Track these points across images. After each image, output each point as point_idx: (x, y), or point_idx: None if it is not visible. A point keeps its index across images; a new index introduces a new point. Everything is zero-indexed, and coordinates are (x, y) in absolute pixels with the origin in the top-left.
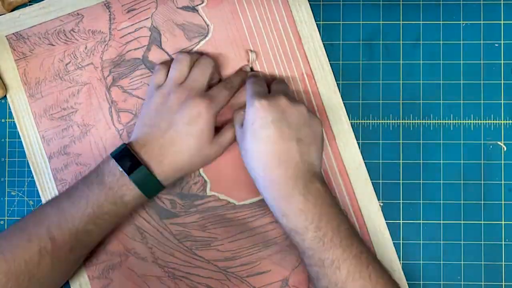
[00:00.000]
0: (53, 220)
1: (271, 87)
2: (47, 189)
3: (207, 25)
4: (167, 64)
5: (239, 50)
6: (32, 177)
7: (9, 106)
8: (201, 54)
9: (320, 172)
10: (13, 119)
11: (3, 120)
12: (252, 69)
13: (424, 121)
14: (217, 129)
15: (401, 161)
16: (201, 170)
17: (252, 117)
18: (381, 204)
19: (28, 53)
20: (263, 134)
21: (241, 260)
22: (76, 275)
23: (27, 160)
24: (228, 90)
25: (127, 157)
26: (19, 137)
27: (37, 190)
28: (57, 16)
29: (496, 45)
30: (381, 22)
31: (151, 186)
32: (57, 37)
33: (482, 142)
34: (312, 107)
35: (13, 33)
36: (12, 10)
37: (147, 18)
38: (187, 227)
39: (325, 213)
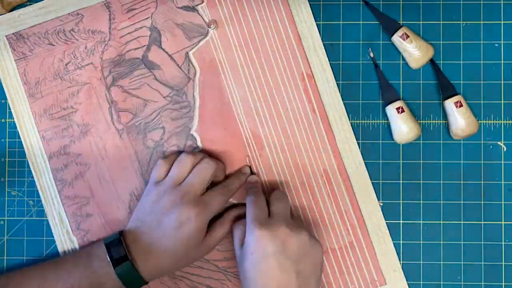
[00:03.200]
0: (34, 285)
1: (271, 206)
2: (47, 189)
3: (207, 25)
4: (170, 160)
5: (238, 50)
6: (32, 177)
7: (9, 106)
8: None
9: None
10: (13, 119)
11: (3, 120)
12: (252, 171)
13: (424, 121)
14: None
15: (401, 161)
16: None
17: (252, 246)
18: (381, 204)
19: (28, 53)
20: (262, 266)
21: None
22: None
23: (27, 160)
24: (223, 196)
25: (117, 248)
26: (19, 137)
27: (37, 190)
28: (57, 16)
29: (496, 45)
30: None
31: (133, 281)
32: (57, 37)
33: (482, 142)
34: (312, 107)
35: (13, 33)
36: (11, 10)
37: (147, 18)
38: None
39: None
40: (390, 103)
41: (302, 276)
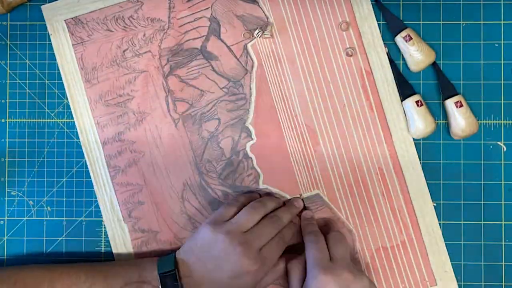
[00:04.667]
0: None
1: (331, 249)
2: (100, 176)
3: (267, 18)
4: (241, 202)
5: (297, 44)
6: (33, 177)
7: (9, 107)
8: (281, 201)
9: None
10: (13, 119)
11: (3, 120)
12: (304, 203)
13: None
14: None
15: None
16: (254, 163)
17: None
18: (435, 204)
19: (86, 38)
20: None
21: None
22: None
23: (27, 160)
24: (281, 248)
25: (172, 282)
26: (19, 137)
27: (37, 190)
28: (117, 2)
29: (496, 45)
30: (381, 23)
31: None
32: (116, 23)
33: (482, 142)
34: (369, 104)
35: (72, 18)
36: (11, 10)
37: (207, 8)
38: None
39: None
40: (407, 97)
41: None
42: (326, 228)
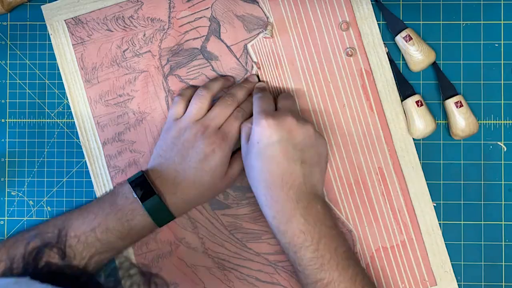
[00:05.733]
0: (59, 224)
1: (278, 102)
2: (100, 176)
3: (267, 18)
4: (187, 96)
5: (297, 44)
6: (33, 177)
7: (9, 107)
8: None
9: (322, 193)
10: (13, 119)
11: (3, 120)
12: (259, 78)
13: None
14: None
15: None
16: None
17: (258, 135)
18: (435, 204)
19: (86, 38)
20: (268, 153)
21: None
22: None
23: (27, 160)
24: (239, 119)
25: (142, 184)
26: (19, 137)
27: (37, 190)
28: (117, 2)
29: (496, 45)
30: (381, 23)
31: (161, 215)
32: (116, 23)
33: (482, 142)
34: (369, 104)
35: (72, 18)
36: (11, 10)
37: (207, 8)
38: (238, 219)
39: (324, 235)
40: (407, 97)
41: (306, 165)
42: None
